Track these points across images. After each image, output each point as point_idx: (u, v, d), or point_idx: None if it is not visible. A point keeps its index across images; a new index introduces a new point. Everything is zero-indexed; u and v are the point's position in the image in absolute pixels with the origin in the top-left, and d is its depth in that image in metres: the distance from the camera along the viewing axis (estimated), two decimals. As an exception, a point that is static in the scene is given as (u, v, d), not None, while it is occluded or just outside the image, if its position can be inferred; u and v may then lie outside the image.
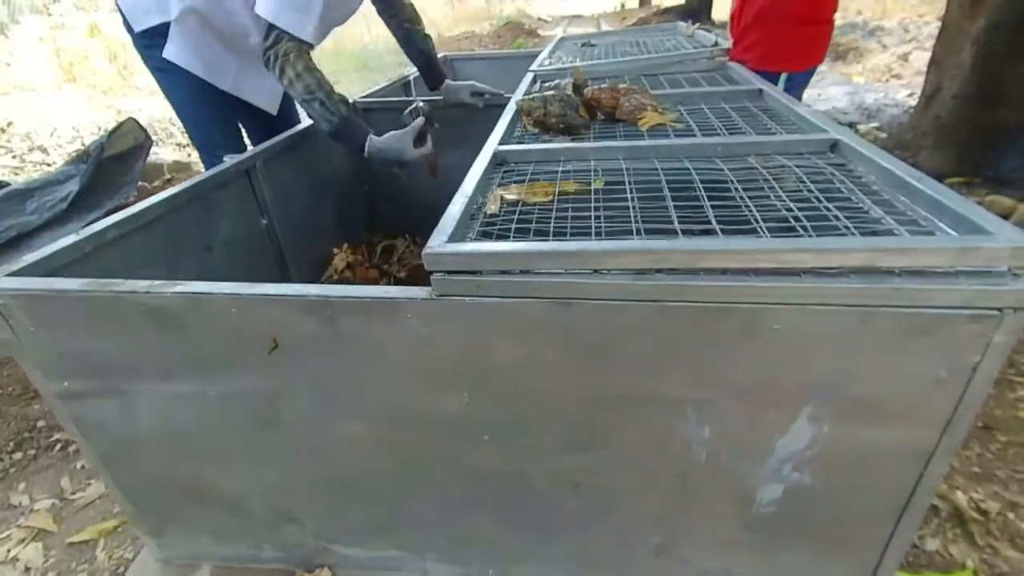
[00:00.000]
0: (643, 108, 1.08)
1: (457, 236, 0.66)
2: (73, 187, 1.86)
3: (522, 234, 0.71)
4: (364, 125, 1.29)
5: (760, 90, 1.25)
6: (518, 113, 1.14)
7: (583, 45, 2.29)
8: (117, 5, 1.34)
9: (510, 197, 0.84)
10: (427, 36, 1.72)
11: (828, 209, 0.72)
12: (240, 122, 1.61)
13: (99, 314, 0.72)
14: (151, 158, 2.18)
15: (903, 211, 0.70)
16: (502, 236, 0.70)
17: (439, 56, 2.70)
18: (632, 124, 1.08)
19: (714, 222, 0.70)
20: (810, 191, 0.77)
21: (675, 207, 0.76)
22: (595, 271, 0.61)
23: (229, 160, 1.21)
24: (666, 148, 0.94)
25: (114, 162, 2.02)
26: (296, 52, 1.20)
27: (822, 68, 5.51)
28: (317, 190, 1.50)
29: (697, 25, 2.37)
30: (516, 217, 0.77)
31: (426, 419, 0.76)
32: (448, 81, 1.73)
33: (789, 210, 0.72)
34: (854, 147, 0.84)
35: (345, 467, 0.85)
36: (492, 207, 0.78)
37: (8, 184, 1.94)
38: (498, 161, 0.98)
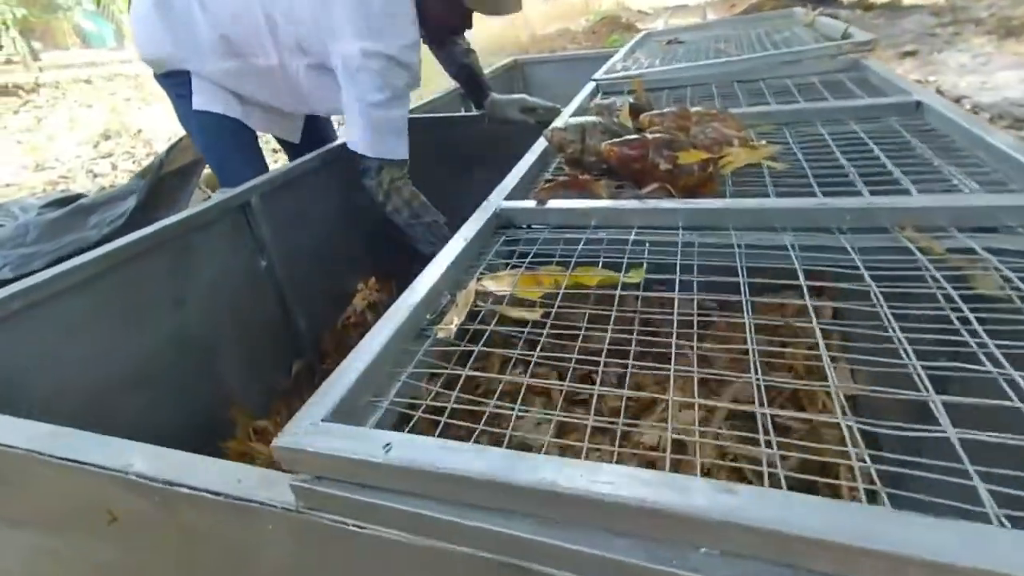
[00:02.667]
0: (724, 142, 0.74)
1: (349, 411, 0.39)
2: (132, 203, 1.84)
3: (468, 416, 0.42)
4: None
5: (917, 103, 0.84)
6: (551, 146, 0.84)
7: (669, 43, 1.91)
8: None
9: (493, 288, 0.55)
10: (470, 50, 1.46)
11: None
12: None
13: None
14: (208, 170, 2.14)
15: None
16: (431, 417, 0.42)
17: (507, 62, 2.50)
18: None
19: (847, 406, 0.36)
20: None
21: (763, 349, 0.43)
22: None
23: (218, 196, 1.03)
24: (754, 213, 0.60)
25: (173, 177, 1.98)
26: (401, 178, 1.19)
27: (988, 48, 4.53)
28: (328, 224, 1.31)
29: (819, 10, 1.89)
30: (473, 360, 0.48)
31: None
32: (494, 96, 1.46)
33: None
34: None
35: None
36: (451, 321, 0.49)
37: (82, 197, 1.97)
38: (501, 223, 0.69)
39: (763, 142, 0.85)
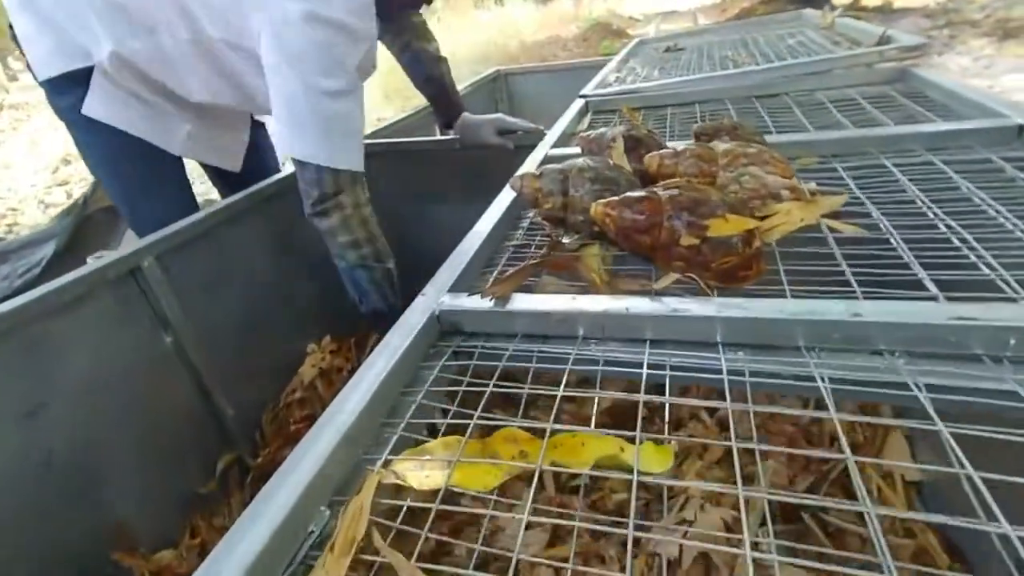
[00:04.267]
0: (769, 195, 0.51)
1: None
2: (50, 249, 1.60)
3: None
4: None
5: (1021, 127, 0.62)
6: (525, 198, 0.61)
7: (666, 50, 1.70)
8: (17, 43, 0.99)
9: (414, 478, 0.32)
10: (440, 59, 1.23)
11: None
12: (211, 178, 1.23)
13: None
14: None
15: None
16: None
17: (489, 74, 2.22)
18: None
19: None
20: None
21: None
22: None
23: (92, 261, 0.80)
24: (840, 324, 0.37)
25: (103, 213, 1.75)
26: (367, 204, 0.91)
27: (988, 51, 4.36)
28: (262, 278, 1.07)
29: (839, 11, 1.68)
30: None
31: None
32: (467, 116, 1.23)
33: None
34: None
35: None
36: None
37: (-3, 243, 1.74)
38: (447, 328, 0.46)
39: (811, 184, 0.62)
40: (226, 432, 0.99)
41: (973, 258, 0.45)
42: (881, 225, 0.51)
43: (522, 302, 0.44)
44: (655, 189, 0.48)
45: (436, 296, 0.47)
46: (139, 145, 0.98)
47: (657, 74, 1.37)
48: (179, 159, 1.08)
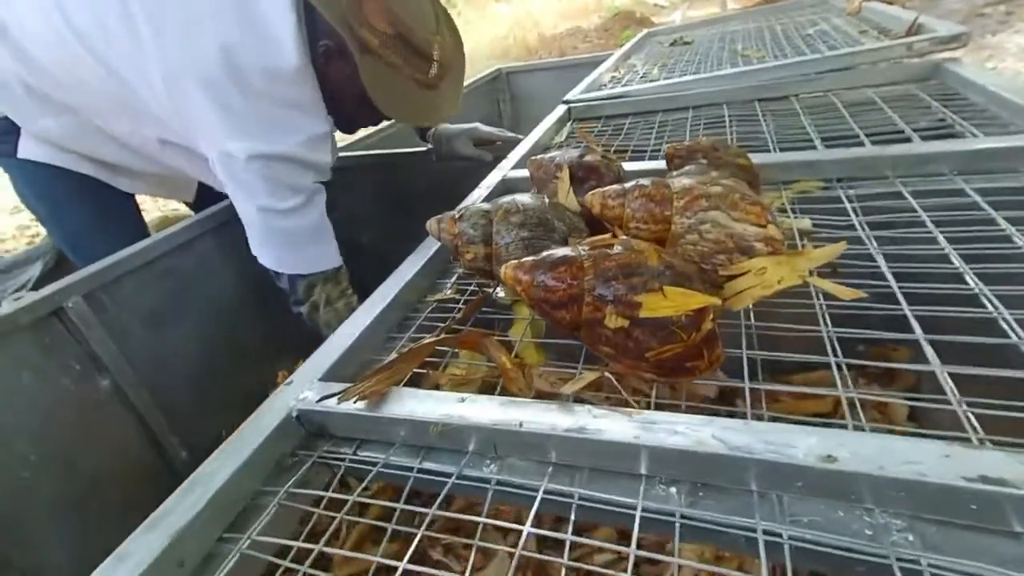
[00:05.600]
0: (738, 248, 0.39)
1: None
2: (37, 271, 1.58)
3: None
4: None
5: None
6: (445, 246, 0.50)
7: (672, 44, 1.56)
8: None
9: None
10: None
11: None
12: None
13: None
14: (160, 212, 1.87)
15: None
16: None
17: (490, 73, 2.08)
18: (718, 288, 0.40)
19: None
20: None
21: None
22: None
23: (7, 304, 0.73)
24: (803, 469, 0.26)
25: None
26: (343, 292, 0.87)
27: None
28: (218, 305, 1.00)
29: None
30: None
31: None
32: (442, 126, 1.13)
33: None
34: None
35: None
36: None
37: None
38: (314, 429, 0.36)
39: (806, 221, 0.50)
40: (179, 476, 0.92)
41: (1014, 338, 0.33)
42: (899, 300, 0.39)
43: (401, 402, 0.34)
44: (583, 246, 0.37)
45: (301, 387, 0.37)
46: (83, 183, 0.92)
47: (657, 72, 1.25)
48: (131, 201, 1.02)
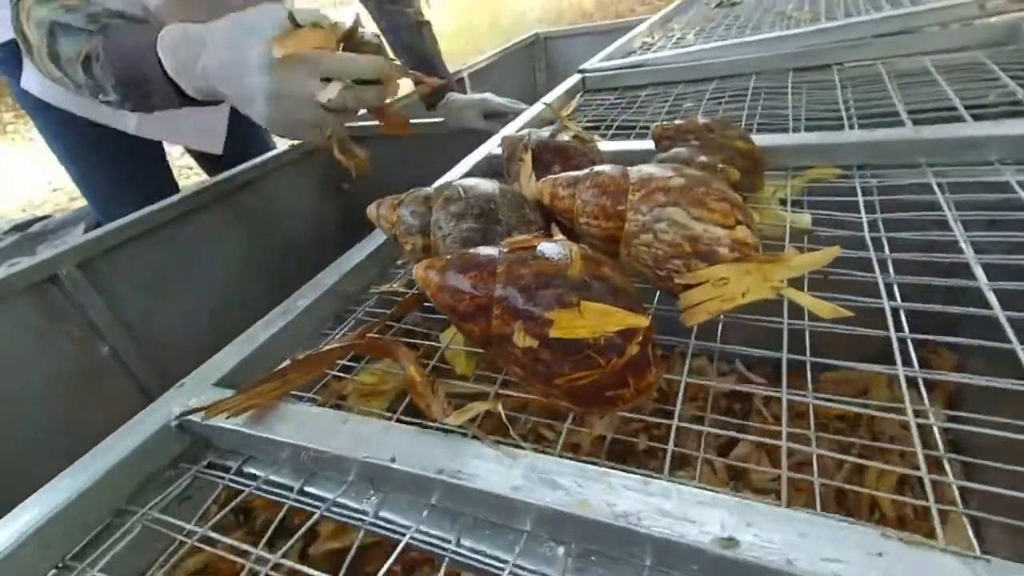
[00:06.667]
0: (696, 251, 0.33)
1: None
2: (81, 231, 1.66)
3: None
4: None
5: None
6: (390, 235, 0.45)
7: (717, 6, 1.41)
8: None
9: None
10: (420, 24, 1.07)
11: None
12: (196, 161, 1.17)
13: None
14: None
15: None
16: None
17: (526, 38, 1.90)
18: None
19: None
20: None
21: None
22: None
23: (3, 270, 0.75)
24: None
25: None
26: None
27: None
28: (213, 282, 1.00)
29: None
30: None
31: None
32: (452, 95, 1.07)
33: None
34: None
35: None
36: None
37: (44, 219, 1.83)
38: (199, 439, 0.34)
39: (804, 216, 0.43)
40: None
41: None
42: (880, 287, 0.31)
43: (282, 419, 0.31)
44: (504, 246, 0.32)
45: (193, 390, 0.34)
46: (99, 134, 0.91)
47: (692, 37, 1.13)
48: (158, 155, 1.02)
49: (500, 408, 0.28)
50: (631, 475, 0.23)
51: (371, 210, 0.44)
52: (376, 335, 0.39)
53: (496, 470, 0.25)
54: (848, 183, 0.47)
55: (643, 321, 0.28)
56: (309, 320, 0.42)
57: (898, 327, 0.31)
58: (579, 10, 7.60)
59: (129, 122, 0.92)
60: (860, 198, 0.43)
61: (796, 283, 0.34)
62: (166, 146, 1.05)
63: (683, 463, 0.66)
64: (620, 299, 0.29)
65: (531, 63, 2.11)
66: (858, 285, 0.35)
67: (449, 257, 0.33)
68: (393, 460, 0.26)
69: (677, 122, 0.48)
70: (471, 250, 0.33)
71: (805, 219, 0.42)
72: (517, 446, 0.26)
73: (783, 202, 0.45)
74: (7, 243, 1.63)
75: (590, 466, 0.24)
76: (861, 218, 0.40)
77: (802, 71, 0.76)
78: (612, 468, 0.24)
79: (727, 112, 0.68)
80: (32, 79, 0.87)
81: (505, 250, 0.31)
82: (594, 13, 7.56)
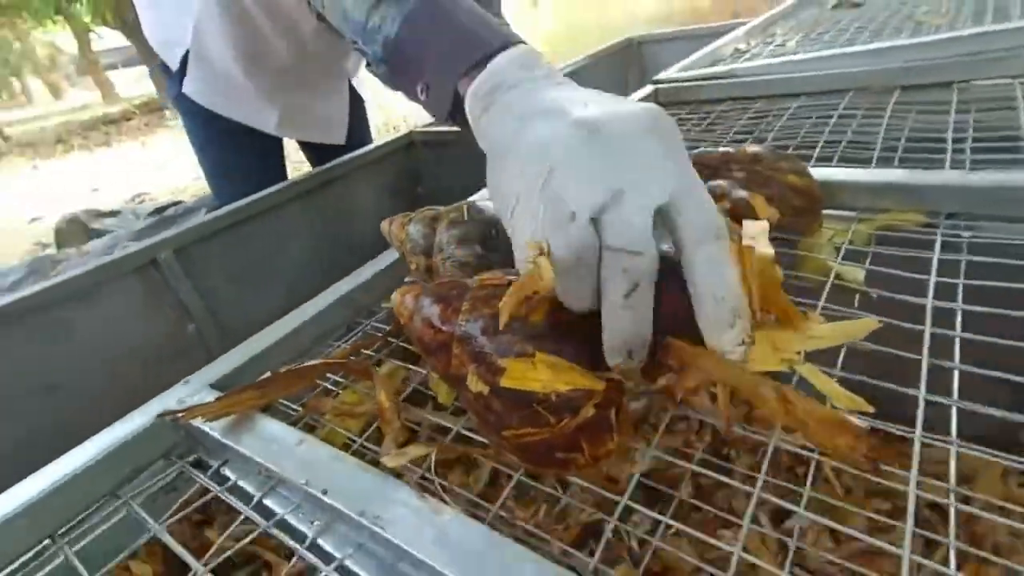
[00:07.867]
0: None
1: None
2: (202, 215, 1.88)
3: None
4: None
5: None
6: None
7: (834, 7, 1.27)
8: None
9: None
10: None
11: None
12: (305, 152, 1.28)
13: None
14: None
15: None
16: None
17: (618, 42, 1.78)
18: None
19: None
20: None
21: None
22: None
23: (118, 253, 0.86)
24: None
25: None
26: None
27: None
28: (288, 277, 1.07)
29: None
30: None
31: None
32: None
33: None
34: None
35: None
36: None
37: (177, 204, 2.10)
38: (187, 446, 0.36)
39: (857, 273, 0.37)
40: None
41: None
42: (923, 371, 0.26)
43: (252, 431, 0.32)
44: (474, 280, 0.30)
45: (191, 389, 0.37)
46: (232, 131, 1.02)
47: (795, 45, 1.03)
48: (276, 150, 1.11)
49: (433, 458, 0.26)
50: (558, 564, 0.21)
51: (384, 225, 0.44)
52: (369, 352, 0.40)
53: (413, 524, 0.24)
54: (929, 235, 0.39)
55: (596, 385, 0.25)
56: (316, 328, 0.43)
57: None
58: (692, 11, 7.24)
59: (269, 121, 1.02)
60: (936, 255, 0.36)
61: (832, 353, 0.29)
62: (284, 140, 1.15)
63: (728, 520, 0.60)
64: (584, 354, 0.26)
65: (624, 70, 2.04)
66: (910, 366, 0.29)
67: (427, 284, 0.32)
68: (325, 492, 0.26)
69: (722, 149, 0.44)
70: (450, 279, 0.32)
71: (856, 274, 0.35)
72: (443, 500, 0.25)
73: (838, 250, 0.39)
74: (147, 223, 1.89)
75: (516, 544, 0.22)
76: (929, 280, 0.34)
77: (912, 89, 0.66)
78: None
79: (807, 136, 0.61)
80: (190, 85, 0.98)
81: (474, 284, 0.30)
82: (709, 15, 7.17)
